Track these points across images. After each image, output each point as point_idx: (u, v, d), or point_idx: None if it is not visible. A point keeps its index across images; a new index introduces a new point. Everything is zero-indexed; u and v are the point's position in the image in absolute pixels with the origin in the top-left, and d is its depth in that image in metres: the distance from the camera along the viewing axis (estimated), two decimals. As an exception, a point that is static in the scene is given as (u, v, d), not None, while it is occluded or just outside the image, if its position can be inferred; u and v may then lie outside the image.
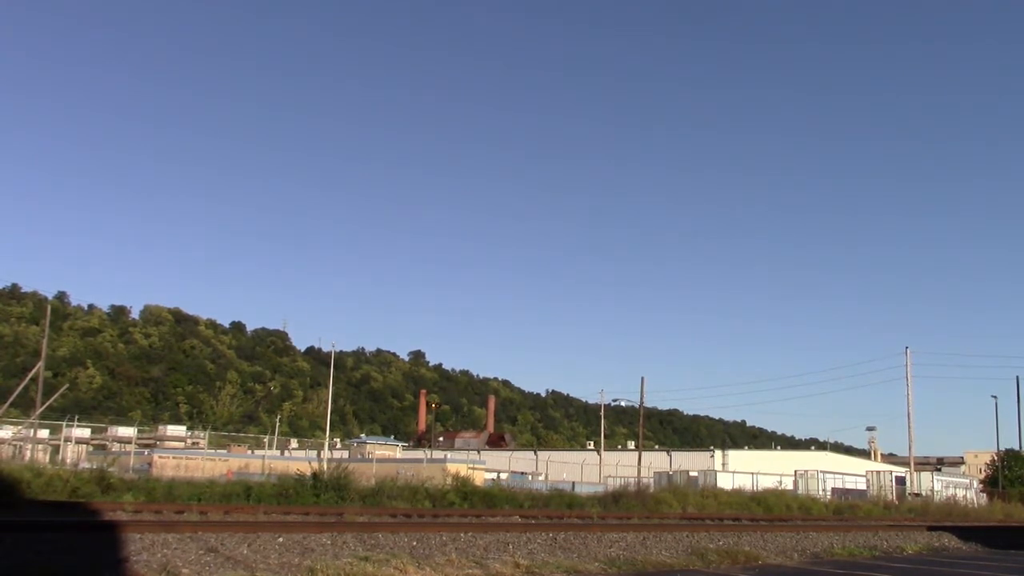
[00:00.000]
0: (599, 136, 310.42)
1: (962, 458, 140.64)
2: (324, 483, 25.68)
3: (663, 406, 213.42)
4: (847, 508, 42.07)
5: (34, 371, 56.00)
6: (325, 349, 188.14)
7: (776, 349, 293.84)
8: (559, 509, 28.15)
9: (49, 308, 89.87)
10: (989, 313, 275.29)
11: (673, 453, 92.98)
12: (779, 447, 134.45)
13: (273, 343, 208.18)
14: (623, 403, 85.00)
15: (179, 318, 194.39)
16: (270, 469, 45.88)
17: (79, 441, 73.66)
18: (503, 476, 59.51)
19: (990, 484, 73.72)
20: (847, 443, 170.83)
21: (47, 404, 57.05)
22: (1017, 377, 73.06)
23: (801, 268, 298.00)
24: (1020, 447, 74.14)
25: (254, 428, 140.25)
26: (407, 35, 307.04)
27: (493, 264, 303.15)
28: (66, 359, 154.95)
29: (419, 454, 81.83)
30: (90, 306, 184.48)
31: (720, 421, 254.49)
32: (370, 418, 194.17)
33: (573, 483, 54.83)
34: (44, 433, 68.65)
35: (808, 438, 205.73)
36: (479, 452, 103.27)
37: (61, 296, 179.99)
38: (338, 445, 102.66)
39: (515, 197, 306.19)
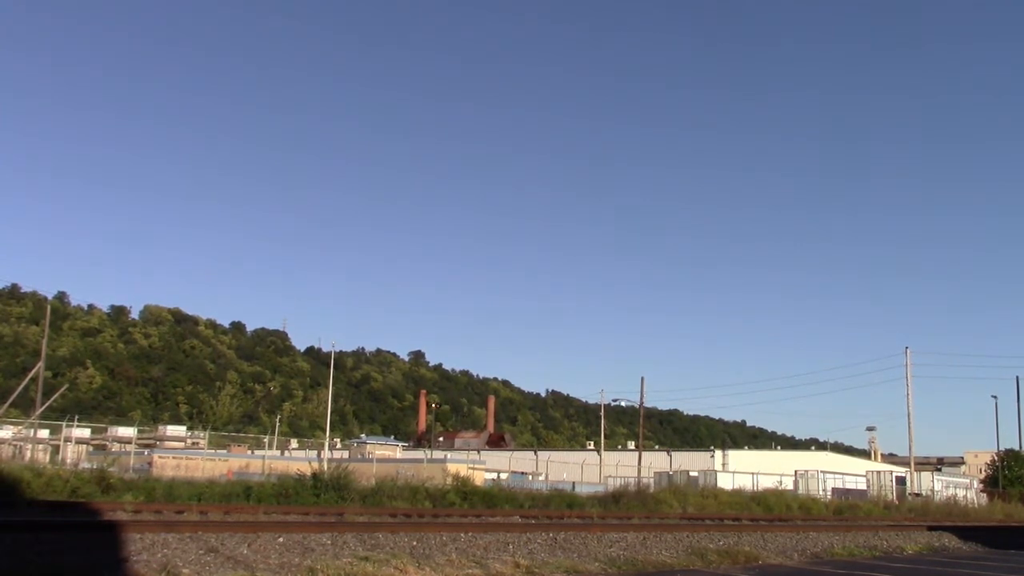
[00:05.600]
0: (599, 136, 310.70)
1: (962, 458, 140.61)
2: (324, 483, 25.68)
3: (663, 406, 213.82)
4: (847, 508, 42.05)
5: (34, 371, 56.02)
6: (325, 349, 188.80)
7: (776, 349, 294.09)
8: (559, 509, 28.14)
9: (49, 308, 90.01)
10: (989, 313, 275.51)
11: (673, 453, 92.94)
12: (779, 447, 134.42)
13: (273, 343, 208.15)
14: (623, 403, 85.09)
15: (179, 318, 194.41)
16: (270, 469, 45.86)
17: (79, 441, 73.59)
18: (503, 476, 59.46)
19: (990, 484, 73.72)
20: (847, 443, 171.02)
21: (47, 404, 57.08)
22: (1017, 377, 73.19)
23: (801, 268, 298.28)
24: (1020, 447, 74.17)
25: (254, 428, 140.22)
26: (407, 35, 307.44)
27: (493, 264, 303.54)
28: (66, 359, 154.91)
29: (419, 454, 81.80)
30: (90, 306, 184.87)
31: (720, 421, 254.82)
32: (370, 418, 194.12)
33: (573, 483, 54.81)
34: (44, 433, 68.60)
35: (808, 438, 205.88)
36: (479, 452, 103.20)
37: (61, 296, 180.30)
38: (338, 445, 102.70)
39: (515, 197, 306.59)
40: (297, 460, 51.60)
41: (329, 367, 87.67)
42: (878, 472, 71.32)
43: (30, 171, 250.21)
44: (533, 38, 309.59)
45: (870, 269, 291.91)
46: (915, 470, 68.62)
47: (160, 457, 60.05)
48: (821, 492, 60.70)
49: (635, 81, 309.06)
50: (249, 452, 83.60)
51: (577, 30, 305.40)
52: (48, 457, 49.71)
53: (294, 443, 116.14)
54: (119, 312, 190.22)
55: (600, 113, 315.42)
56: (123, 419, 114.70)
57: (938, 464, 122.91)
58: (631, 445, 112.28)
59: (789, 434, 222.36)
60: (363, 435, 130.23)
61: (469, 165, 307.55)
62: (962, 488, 72.06)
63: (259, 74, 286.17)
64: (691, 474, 63.83)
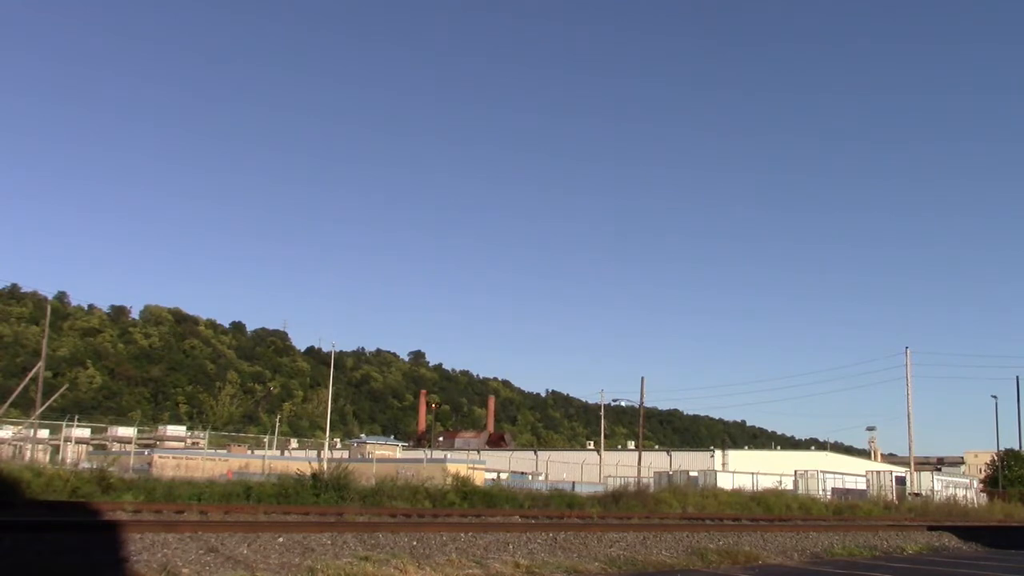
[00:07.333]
0: (599, 136, 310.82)
1: (962, 458, 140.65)
2: (324, 483, 25.68)
3: (663, 406, 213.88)
4: (847, 508, 42.04)
5: (34, 371, 56.00)
6: (325, 349, 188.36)
7: (776, 349, 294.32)
8: (559, 509, 28.13)
9: (49, 308, 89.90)
10: (989, 313, 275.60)
11: (673, 453, 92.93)
12: (779, 447, 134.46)
13: (273, 343, 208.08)
14: (623, 403, 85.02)
15: (179, 318, 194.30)
16: (270, 469, 45.92)
17: (79, 441, 73.63)
18: (503, 476, 59.48)
19: (990, 484, 73.72)
20: (847, 443, 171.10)
21: (47, 404, 57.05)
22: (1017, 377, 73.22)
23: (801, 268, 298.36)
24: (1020, 447, 74.19)
25: (254, 428, 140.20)
26: (407, 35, 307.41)
27: (493, 264, 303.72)
28: (66, 359, 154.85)
29: (419, 454, 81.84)
30: (90, 306, 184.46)
31: (720, 421, 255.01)
32: (370, 418, 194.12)
33: (573, 483, 54.81)
34: (44, 433, 68.60)
35: (808, 438, 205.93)
36: (479, 452, 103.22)
37: (61, 296, 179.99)
38: (338, 445, 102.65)
39: (515, 197, 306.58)
40: (297, 460, 51.60)
41: (329, 367, 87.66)
42: (878, 472, 71.30)
43: (30, 171, 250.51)
44: (533, 38, 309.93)
45: (870, 269, 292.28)
46: (915, 470, 68.58)
47: (160, 457, 60.04)
48: (821, 492, 60.70)
49: (635, 81, 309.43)
50: (249, 452, 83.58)
51: (577, 30, 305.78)
52: (48, 457, 49.80)
53: (294, 443, 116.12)
54: (119, 312, 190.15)
55: (600, 113, 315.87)
56: (123, 419, 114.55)
57: (938, 464, 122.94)
58: (631, 445, 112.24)
59: (789, 434, 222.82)
60: (363, 435, 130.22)
61: (469, 165, 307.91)
62: (962, 488, 72.02)
63: (259, 74, 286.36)
64: (691, 474, 63.83)
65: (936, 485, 68.18)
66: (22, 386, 57.76)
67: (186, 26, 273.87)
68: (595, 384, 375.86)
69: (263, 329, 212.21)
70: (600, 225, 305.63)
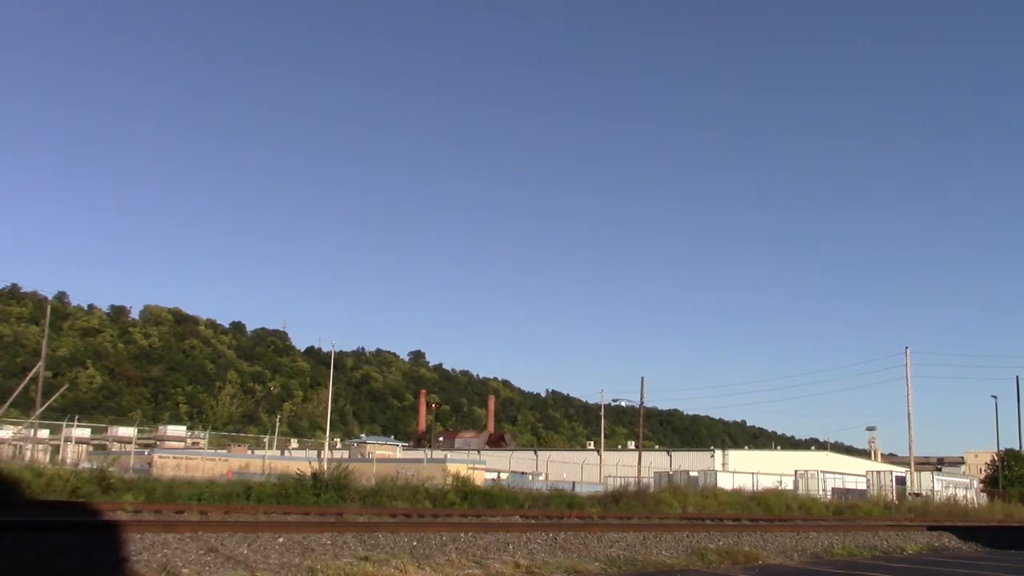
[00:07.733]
0: (600, 136, 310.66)
1: (962, 458, 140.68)
2: (324, 483, 25.67)
3: (663, 406, 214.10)
4: (847, 508, 42.04)
5: (34, 371, 56.01)
6: (325, 349, 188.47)
7: (776, 349, 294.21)
8: (559, 509, 28.12)
9: (49, 308, 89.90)
10: (989, 313, 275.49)
11: (673, 453, 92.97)
12: (779, 447, 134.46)
13: (273, 343, 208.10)
14: (623, 403, 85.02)
15: (179, 318, 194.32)
16: (270, 469, 45.92)
17: (79, 441, 73.61)
18: (503, 476, 59.48)
19: (990, 484, 73.71)
20: (847, 443, 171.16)
21: (47, 404, 57.06)
22: (1017, 377, 73.17)
23: (801, 268, 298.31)
24: (1020, 447, 74.16)
25: (254, 428, 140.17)
26: (407, 35, 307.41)
27: (493, 264, 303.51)
28: (66, 359, 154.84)
29: (419, 454, 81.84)
30: (90, 306, 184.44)
31: (720, 421, 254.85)
32: (370, 418, 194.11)
33: (573, 483, 54.81)
34: (44, 433, 68.60)
35: (808, 438, 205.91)
36: (479, 452, 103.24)
37: (61, 296, 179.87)
38: (338, 445, 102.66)
39: (515, 197, 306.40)
40: (297, 460, 51.62)
41: (329, 367, 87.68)
42: (878, 472, 71.31)
43: (30, 171, 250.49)
44: (533, 38, 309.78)
45: (870, 269, 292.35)
46: (915, 470, 68.59)
47: (160, 457, 60.04)
48: (821, 492, 60.70)
49: (635, 81, 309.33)
50: (249, 452, 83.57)
51: (576, 29, 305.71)
52: (48, 457, 49.82)
53: (294, 443, 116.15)
54: (119, 312, 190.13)
55: (600, 113, 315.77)
56: (123, 419, 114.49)
57: (938, 464, 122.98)
58: (631, 445, 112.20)
59: (789, 434, 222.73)
60: (363, 435, 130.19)
61: (469, 165, 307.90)
62: (962, 488, 72.01)
63: (259, 74, 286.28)
64: (691, 474, 63.83)
65: (936, 485, 68.20)
66: (22, 386, 57.76)
67: (186, 26, 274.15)
68: (595, 384, 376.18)
69: (263, 329, 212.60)
70: (600, 225, 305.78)
